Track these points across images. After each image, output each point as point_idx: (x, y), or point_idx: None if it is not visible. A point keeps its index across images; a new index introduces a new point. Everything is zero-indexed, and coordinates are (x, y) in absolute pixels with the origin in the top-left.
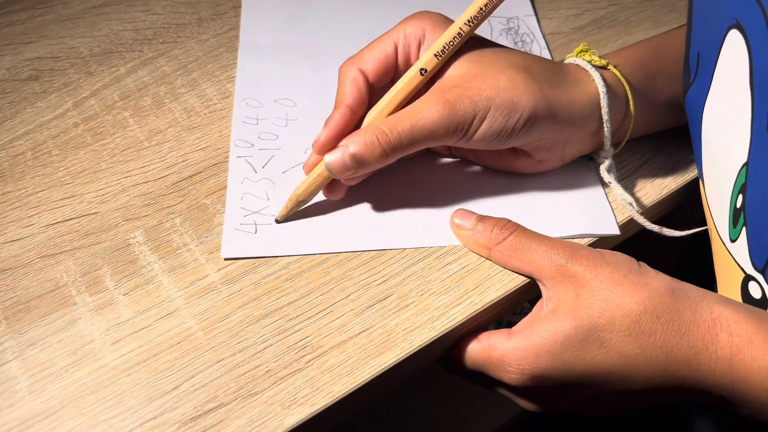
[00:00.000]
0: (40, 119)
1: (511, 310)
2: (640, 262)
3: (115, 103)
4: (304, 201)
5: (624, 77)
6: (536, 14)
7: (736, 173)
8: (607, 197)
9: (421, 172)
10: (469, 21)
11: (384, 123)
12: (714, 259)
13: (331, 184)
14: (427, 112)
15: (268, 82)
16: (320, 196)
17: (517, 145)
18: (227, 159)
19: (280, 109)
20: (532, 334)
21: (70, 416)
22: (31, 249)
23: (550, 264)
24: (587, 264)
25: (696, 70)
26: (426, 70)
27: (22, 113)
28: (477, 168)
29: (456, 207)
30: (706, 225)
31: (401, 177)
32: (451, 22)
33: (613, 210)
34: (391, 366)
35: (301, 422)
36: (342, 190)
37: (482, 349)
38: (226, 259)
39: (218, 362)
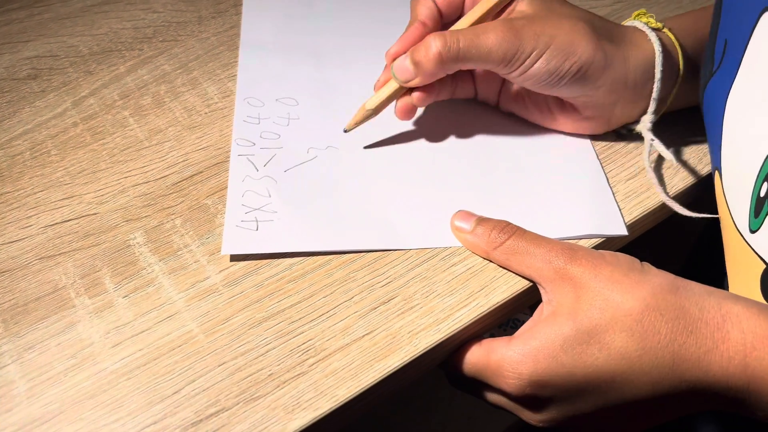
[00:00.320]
0: (38, 119)
1: (516, 311)
2: (643, 262)
3: (115, 103)
4: (373, 112)
5: (678, 41)
6: None
7: (762, 162)
8: (614, 196)
9: (426, 170)
10: None
11: (448, 32)
12: (727, 253)
13: (403, 103)
14: (491, 32)
15: (269, 80)
16: (320, 197)
17: (568, 94)
18: (228, 159)
19: (282, 108)
20: (532, 338)
21: (69, 421)
22: (30, 250)
23: (548, 267)
24: (587, 265)
25: (721, 59)
26: None
27: (20, 113)
28: (483, 166)
29: (460, 207)
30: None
31: (406, 175)
32: None
33: (620, 210)
34: (396, 369)
35: (304, 427)
36: (412, 112)
37: (482, 354)
38: (230, 259)
39: (220, 366)
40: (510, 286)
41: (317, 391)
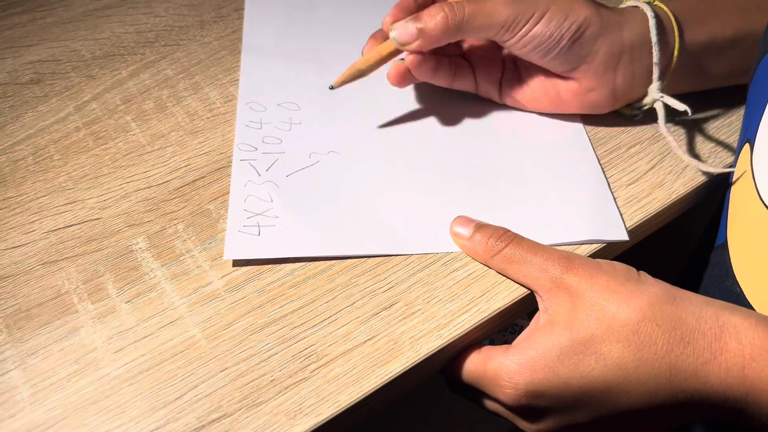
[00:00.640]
0: (41, 123)
1: (517, 317)
2: (640, 271)
3: (117, 107)
4: (362, 72)
5: (671, 12)
6: None
7: None
8: (615, 201)
9: (427, 175)
10: None
11: (453, 1)
12: (737, 224)
13: (399, 70)
14: (497, 1)
15: (271, 85)
16: (322, 202)
17: (566, 61)
18: (230, 163)
19: (284, 113)
20: (528, 348)
21: (72, 427)
22: (33, 256)
23: (545, 276)
24: (583, 275)
25: None
26: None
27: (23, 117)
28: (484, 171)
29: (461, 212)
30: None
31: (407, 181)
32: None
33: (621, 215)
34: (397, 375)
35: None
36: (407, 79)
37: (480, 362)
38: (233, 265)
39: (222, 371)
40: (511, 292)
41: (319, 396)
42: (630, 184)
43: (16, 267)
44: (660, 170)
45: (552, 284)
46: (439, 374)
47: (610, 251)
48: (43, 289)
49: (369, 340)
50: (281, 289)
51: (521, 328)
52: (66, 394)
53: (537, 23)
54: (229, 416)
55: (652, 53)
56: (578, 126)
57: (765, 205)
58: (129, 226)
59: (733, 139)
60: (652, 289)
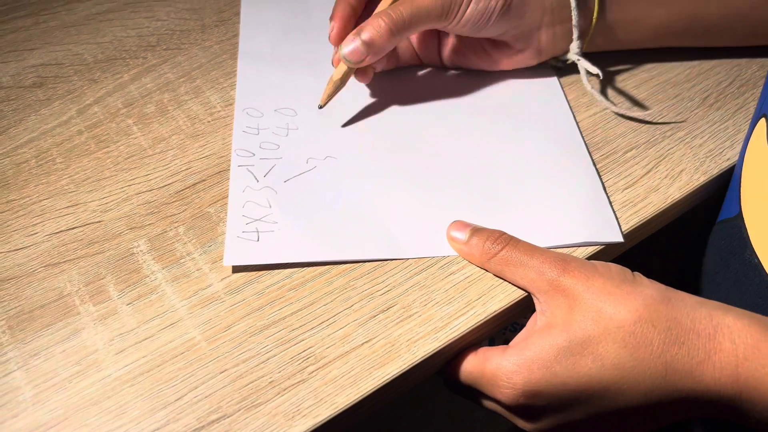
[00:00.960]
0: (44, 126)
1: (514, 320)
2: (635, 272)
3: (119, 111)
4: (340, 82)
5: None
6: None
7: None
8: (611, 204)
9: (424, 180)
10: None
11: (387, 8)
12: (749, 195)
13: (359, 69)
14: None
15: (268, 91)
16: (320, 208)
17: (497, 32)
18: (230, 168)
19: (281, 119)
20: (526, 349)
21: (74, 427)
22: (35, 258)
23: (541, 278)
24: (579, 277)
25: None
26: None
27: (26, 120)
28: (479, 174)
29: (458, 216)
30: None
31: (404, 185)
32: None
33: (616, 217)
34: (394, 377)
35: None
36: (369, 75)
37: (477, 362)
38: (232, 270)
39: (221, 373)
40: (507, 295)
41: (317, 398)
42: (626, 189)
43: (19, 269)
44: (655, 175)
45: (549, 286)
46: (436, 375)
47: (606, 254)
48: (45, 291)
49: (367, 342)
50: (280, 291)
51: (521, 327)
52: (68, 394)
53: (468, 6)
54: (228, 417)
55: (572, 16)
56: (574, 130)
57: None
58: (130, 228)
59: (656, 93)
60: (647, 290)
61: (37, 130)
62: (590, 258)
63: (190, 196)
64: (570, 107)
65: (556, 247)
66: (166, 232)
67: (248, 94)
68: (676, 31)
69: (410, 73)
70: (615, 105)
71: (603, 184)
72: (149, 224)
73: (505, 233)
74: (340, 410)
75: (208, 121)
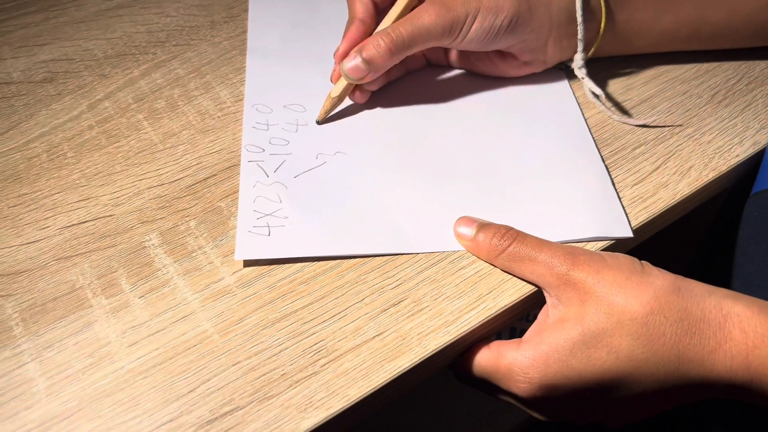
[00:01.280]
0: (54, 121)
1: (524, 314)
2: (643, 261)
3: (129, 106)
4: (338, 99)
5: None
6: None
7: None
8: (619, 199)
9: (433, 175)
10: None
11: (388, 27)
12: None
13: (355, 89)
14: (426, 14)
15: (277, 87)
16: (330, 203)
17: (504, 46)
18: (241, 162)
19: (290, 115)
20: (541, 343)
21: (88, 419)
22: (48, 251)
23: (551, 273)
24: (589, 270)
25: None
26: None
27: (37, 115)
28: (489, 169)
29: (467, 210)
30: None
31: (413, 180)
32: None
33: (626, 212)
34: (406, 370)
35: (316, 426)
36: (365, 95)
37: (491, 357)
38: (244, 264)
39: (234, 365)
40: (518, 289)
41: (329, 390)
42: (635, 185)
43: (32, 262)
44: (665, 171)
45: (559, 281)
46: (446, 368)
47: (616, 249)
48: (57, 284)
49: (378, 335)
50: (291, 285)
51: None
52: (81, 386)
53: (471, 25)
54: (240, 409)
55: (578, 30)
56: (582, 126)
57: None
58: (142, 222)
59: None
60: (657, 281)
61: (48, 124)
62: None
63: (201, 190)
64: (578, 104)
65: (565, 242)
66: (177, 226)
67: (257, 90)
68: (682, 36)
69: (419, 70)
70: (620, 114)
71: (612, 180)
72: (161, 218)
73: (512, 228)
74: (353, 402)
75: (219, 117)
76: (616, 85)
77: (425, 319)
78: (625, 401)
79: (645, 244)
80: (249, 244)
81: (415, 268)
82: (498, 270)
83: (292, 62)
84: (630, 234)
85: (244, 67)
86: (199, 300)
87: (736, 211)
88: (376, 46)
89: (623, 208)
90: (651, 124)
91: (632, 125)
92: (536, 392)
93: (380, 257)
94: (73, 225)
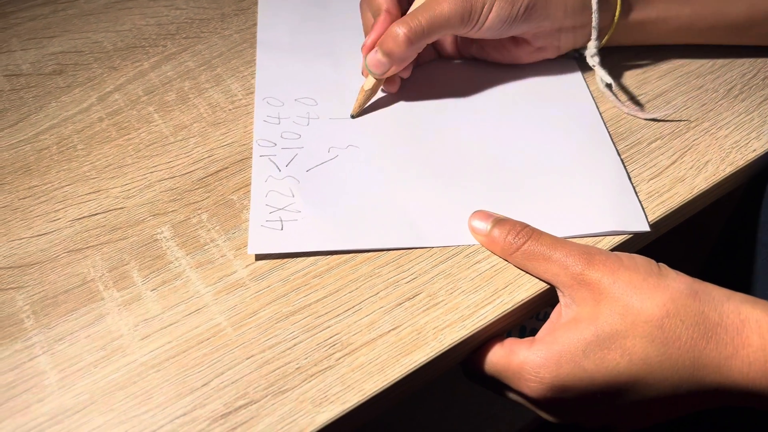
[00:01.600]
0: (64, 113)
1: (541, 309)
2: (660, 264)
3: (140, 98)
4: (371, 92)
5: None
6: None
7: None
8: (636, 194)
9: (447, 168)
10: None
11: (406, 16)
12: None
13: (387, 78)
14: (444, 2)
15: (287, 81)
16: (343, 197)
17: (519, 33)
18: (252, 157)
19: (302, 108)
20: (554, 343)
21: (100, 412)
22: (58, 243)
23: (566, 272)
24: (605, 270)
25: None
26: None
27: (46, 107)
28: (504, 162)
29: (481, 204)
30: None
31: (427, 174)
32: None
33: (642, 206)
34: (422, 364)
35: (332, 420)
36: (396, 84)
37: (503, 355)
38: (257, 257)
39: (248, 359)
40: (534, 284)
41: (344, 384)
42: (651, 179)
43: (43, 254)
44: (681, 165)
45: (573, 280)
46: (456, 365)
47: (632, 244)
48: (69, 276)
49: (393, 329)
50: (305, 278)
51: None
52: (93, 379)
53: (489, 14)
54: (255, 403)
55: (592, 18)
56: (597, 120)
57: None
58: (153, 215)
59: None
60: (674, 284)
61: (57, 116)
62: (617, 248)
63: (213, 183)
64: (593, 98)
65: (583, 236)
66: (189, 218)
67: (268, 83)
68: (698, 29)
69: (432, 63)
70: (632, 107)
71: (628, 174)
72: (172, 211)
73: (528, 225)
74: (368, 397)
75: (230, 109)
76: (630, 80)
77: (441, 313)
78: (637, 405)
79: (659, 239)
80: (262, 239)
81: (429, 262)
82: None
83: (302, 55)
84: (647, 228)
85: (255, 60)
86: (211, 293)
87: (753, 207)
88: (394, 37)
89: (639, 201)
90: (664, 118)
91: (643, 119)
92: (547, 393)
93: (394, 251)
94: (83, 217)
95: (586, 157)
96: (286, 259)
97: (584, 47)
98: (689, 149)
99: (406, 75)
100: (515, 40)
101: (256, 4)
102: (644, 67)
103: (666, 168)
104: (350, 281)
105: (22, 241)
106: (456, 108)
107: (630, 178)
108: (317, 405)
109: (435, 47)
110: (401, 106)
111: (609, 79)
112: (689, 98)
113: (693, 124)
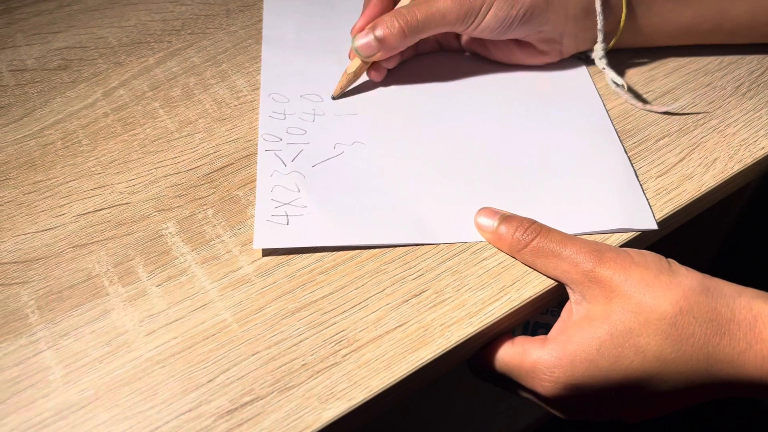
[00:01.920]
0: (69, 108)
1: (548, 306)
2: (670, 260)
3: (145, 94)
4: (354, 75)
5: None
6: None
7: None
8: (643, 191)
9: (454, 165)
10: None
11: (404, 8)
12: None
13: (373, 66)
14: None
15: (293, 77)
16: (349, 192)
17: (519, 35)
18: (258, 151)
19: (307, 105)
20: (568, 342)
21: (105, 407)
22: (63, 238)
23: (576, 270)
24: (615, 267)
25: None
26: None
27: (51, 102)
28: (510, 159)
29: (488, 201)
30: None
31: (433, 170)
32: None
33: (649, 204)
34: (429, 361)
35: (339, 417)
36: (382, 73)
37: (516, 354)
38: (263, 253)
39: (254, 355)
40: (542, 281)
41: (351, 381)
42: (659, 176)
43: (47, 249)
44: (689, 163)
45: (584, 278)
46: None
47: (640, 241)
48: (73, 271)
49: (400, 326)
50: (311, 275)
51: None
52: (98, 375)
53: (486, 14)
54: (261, 399)
55: (596, 21)
56: (604, 117)
57: None
58: (158, 211)
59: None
60: (686, 280)
61: (62, 112)
62: (625, 245)
63: (219, 179)
64: (599, 95)
65: (590, 233)
66: (194, 214)
67: (273, 79)
68: (703, 30)
69: (437, 59)
70: (642, 102)
71: (635, 171)
72: (178, 206)
73: (535, 222)
74: (375, 393)
75: (235, 105)
76: (637, 77)
77: (448, 310)
78: (650, 399)
79: (666, 236)
80: (267, 233)
81: (436, 258)
82: None
83: (307, 52)
84: (654, 226)
85: (260, 56)
86: (217, 289)
87: (761, 204)
88: (390, 25)
89: (647, 199)
90: (675, 112)
91: (657, 112)
92: (561, 392)
93: (401, 247)
94: (88, 212)
95: (594, 154)
96: (291, 255)
97: (589, 50)
98: (697, 146)
99: (391, 65)
100: (517, 42)
101: (261, 0)
102: (651, 65)
103: (674, 165)
104: (356, 277)
105: (27, 236)
106: (462, 105)
107: (637, 176)
108: (323, 401)
109: (437, 39)
110: (407, 102)
111: (621, 81)
112: (697, 95)
113: (701, 122)
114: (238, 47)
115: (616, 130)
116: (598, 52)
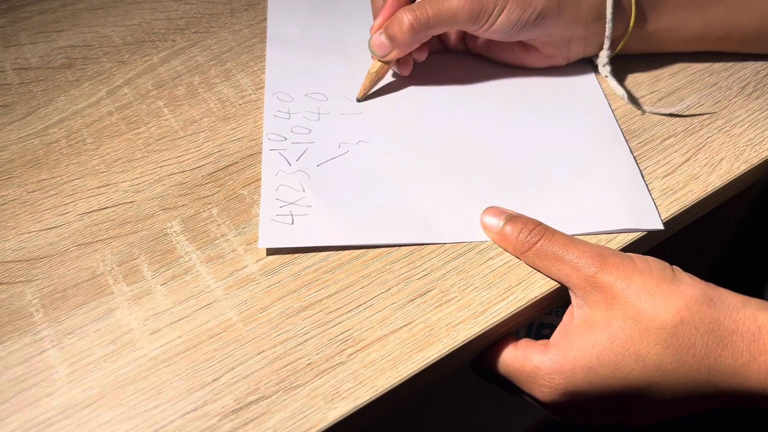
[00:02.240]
0: (74, 107)
1: (554, 306)
2: (674, 267)
3: (149, 92)
4: (378, 76)
5: None
6: None
7: None
8: (649, 191)
9: (459, 164)
10: None
11: (415, 4)
12: None
13: (399, 60)
14: None
15: (297, 76)
16: (354, 192)
17: (529, 38)
18: (262, 151)
19: (312, 104)
20: (569, 349)
21: (110, 406)
22: (67, 237)
23: (578, 274)
24: (618, 273)
25: None
26: None
27: (56, 101)
28: (516, 159)
29: (493, 200)
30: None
31: (438, 169)
32: None
33: (655, 204)
34: (435, 361)
35: (344, 416)
36: (408, 67)
37: (518, 357)
38: (267, 252)
39: (259, 354)
40: (548, 281)
41: (356, 381)
42: (665, 176)
43: (52, 248)
44: (695, 163)
45: (586, 283)
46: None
47: (645, 241)
48: (78, 270)
49: (405, 326)
50: (316, 274)
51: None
52: (103, 374)
53: (499, 16)
54: (266, 398)
55: (605, 28)
56: (609, 116)
57: None
58: (163, 209)
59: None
60: (689, 290)
61: (67, 110)
62: (630, 245)
63: (223, 178)
64: (605, 94)
65: (596, 233)
66: (199, 213)
67: (278, 78)
68: (711, 40)
69: (444, 59)
70: (648, 105)
71: (641, 171)
72: (182, 205)
73: (541, 224)
74: (381, 393)
75: (239, 104)
76: (643, 77)
77: (453, 309)
78: (650, 407)
79: (671, 237)
80: (272, 232)
81: (441, 258)
82: None
83: (312, 51)
84: (660, 226)
85: (265, 55)
86: (222, 288)
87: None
88: (399, 22)
89: (652, 199)
90: (680, 113)
91: (662, 114)
92: (560, 398)
93: (406, 247)
94: (93, 211)
95: (599, 154)
96: (296, 255)
97: (595, 56)
98: (703, 147)
99: (421, 58)
100: (523, 45)
101: None
102: (657, 66)
103: (679, 165)
104: (362, 277)
105: (31, 234)
106: (467, 104)
107: (643, 176)
108: (329, 401)
109: (441, 39)
110: (412, 102)
111: (622, 92)
112: (702, 95)
113: (707, 122)
114: (242, 46)
115: (621, 129)
116: (602, 59)
